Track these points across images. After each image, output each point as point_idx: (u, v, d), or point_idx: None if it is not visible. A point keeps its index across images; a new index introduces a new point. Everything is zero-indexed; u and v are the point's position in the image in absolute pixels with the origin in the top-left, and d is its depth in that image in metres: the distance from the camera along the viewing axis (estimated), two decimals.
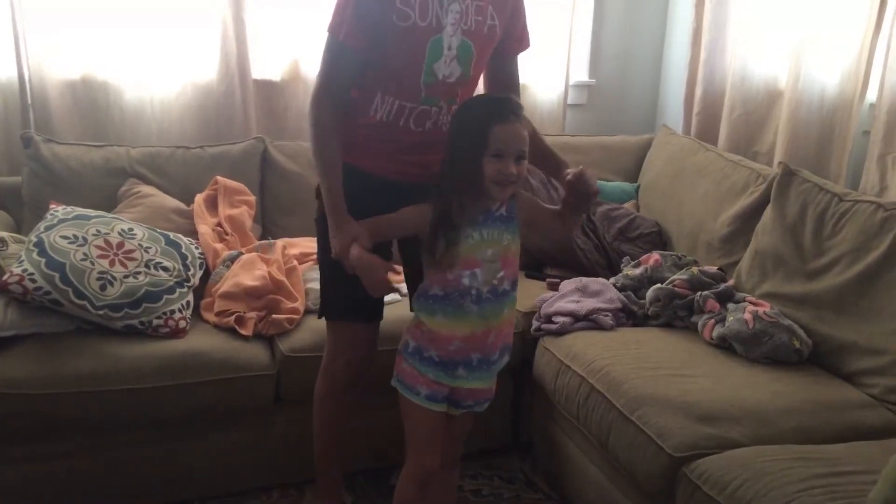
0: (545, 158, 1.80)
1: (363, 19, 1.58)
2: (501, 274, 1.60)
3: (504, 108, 1.54)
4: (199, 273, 2.23)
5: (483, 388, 1.68)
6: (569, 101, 3.11)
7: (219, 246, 2.33)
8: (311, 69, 2.68)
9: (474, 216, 1.57)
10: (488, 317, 1.60)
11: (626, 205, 2.84)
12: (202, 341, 2.05)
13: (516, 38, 1.77)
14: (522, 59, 3.14)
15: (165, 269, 2.13)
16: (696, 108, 2.95)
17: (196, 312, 2.17)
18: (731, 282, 2.27)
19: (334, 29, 1.61)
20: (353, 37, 1.59)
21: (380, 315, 1.82)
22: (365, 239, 1.57)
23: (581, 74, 3.22)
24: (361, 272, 1.56)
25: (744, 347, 2.01)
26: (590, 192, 1.62)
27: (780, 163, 2.35)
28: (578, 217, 1.72)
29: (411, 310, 1.68)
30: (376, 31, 1.59)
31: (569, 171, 1.62)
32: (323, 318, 1.81)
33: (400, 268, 1.87)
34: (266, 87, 2.77)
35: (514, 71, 1.82)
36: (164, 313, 2.05)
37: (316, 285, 1.99)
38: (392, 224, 1.62)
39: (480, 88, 1.83)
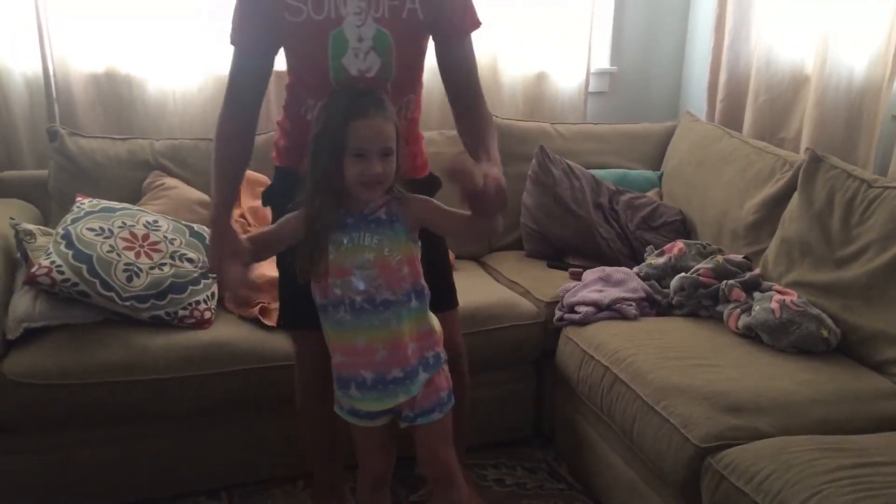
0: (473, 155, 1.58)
1: (255, 23, 1.52)
2: (379, 283, 1.46)
3: (362, 101, 1.42)
4: None
5: (416, 398, 1.53)
6: (590, 89, 3.08)
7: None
8: None
9: (342, 220, 1.46)
10: (368, 329, 1.47)
11: (650, 193, 2.81)
12: (227, 332, 2.07)
13: (456, 18, 1.59)
14: (543, 46, 3.10)
15: (190, 260, 2.15)
16: (720, 95, 2.91)
17: (220, 303, 2.19)
18: (757, 270, 2.24)
19: (231, 37, 1.56)
20: (248, 43, 1.54)
21: None
22: (245, 256, 1.46)
23: (603, 62, 3.19)
24: (229, 289, 1.52)
25: (770, 337, 1.99)
26: (477, 196, 1.36)
27: (806, 149, 2.31)
28: (489, 222, 1.44)
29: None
30: (270, 31, 1.52)
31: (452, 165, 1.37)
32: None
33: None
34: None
35: (463, 54, 1.63)
36: (190, 304, 2.07)
37: None
38: (275, 237, 1.52)
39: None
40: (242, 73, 1.57)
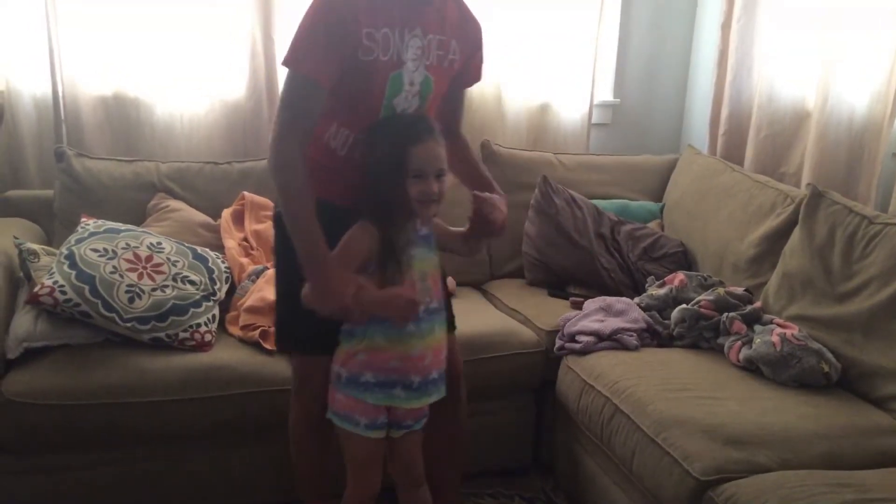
0: (472, 179, 1.80)
1: (330, 56, 1.52)
2: (432, 293, 1.62)
3: (418, 128, 1.56)
4: (225, 287, 2.25)
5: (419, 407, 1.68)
6: (593, 121, 3.11)
7: (245, 260, 2.35)
8: None
9: (411, 236, 1.59)
10: (424, 336, 1.61)
11: (651, 224, 2.83)
12: (227, 355, 2.06)
13: (472, 71, 1.77)
14: (548, 77, 3.16)
15: (192, 282, 2.15)
16: (721, 129, 2.94)
17: (221, 326, 2.19)
18: (758, 303, 2.24)
19: (297, 64, 1.52)
20: (321, 73, 1.52)
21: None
22: (363, 282, 1.53)
23: (606, 94, 3.22)
24: (385, 307, 1.54)
25: (771, 370, 1.99)
26: (489, 222, 1.63)
27: (808, 184, 2.33)
28: (480, 243, 1.73)
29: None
30: (341, 66, 1.54)
31: (477, 194, 1.64)
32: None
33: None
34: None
35: (461, 100, 1.83)
36: (191, 326, 2.07)
37: None
38: (355, 257, 1.56)
39: None
40: (313, 101, 1.54)
